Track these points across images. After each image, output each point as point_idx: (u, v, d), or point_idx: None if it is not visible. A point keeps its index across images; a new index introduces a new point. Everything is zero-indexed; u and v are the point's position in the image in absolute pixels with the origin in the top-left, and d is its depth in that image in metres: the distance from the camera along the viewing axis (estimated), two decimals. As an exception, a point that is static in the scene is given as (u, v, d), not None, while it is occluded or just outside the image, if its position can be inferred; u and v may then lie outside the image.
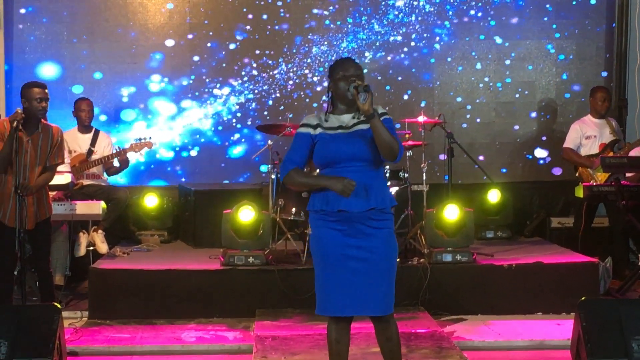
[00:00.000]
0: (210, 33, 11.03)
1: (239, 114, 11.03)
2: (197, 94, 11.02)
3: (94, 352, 7.29)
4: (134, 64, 10.99)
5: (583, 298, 6.14)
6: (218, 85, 11.01)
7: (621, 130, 10.40)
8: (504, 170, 11.19)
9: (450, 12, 11.11)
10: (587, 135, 9.93)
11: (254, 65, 11.02)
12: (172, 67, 11.01)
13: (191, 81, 11.01)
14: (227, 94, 11.03)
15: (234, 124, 11.04)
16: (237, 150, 11.04)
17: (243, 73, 11.02)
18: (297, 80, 11.04)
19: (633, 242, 9.93)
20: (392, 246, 5.41)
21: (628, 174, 9.39)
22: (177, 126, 11.02)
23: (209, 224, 9.67)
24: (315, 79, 11.01)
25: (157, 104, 10.99)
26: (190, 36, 11.02)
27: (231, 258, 8.47)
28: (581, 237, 9.65)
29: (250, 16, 11.02)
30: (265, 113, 11.03)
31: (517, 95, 11.25)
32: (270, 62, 11.02)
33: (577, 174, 9.89)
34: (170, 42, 11.00)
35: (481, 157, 10.82)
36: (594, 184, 9.39)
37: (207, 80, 11.02)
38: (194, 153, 11.05)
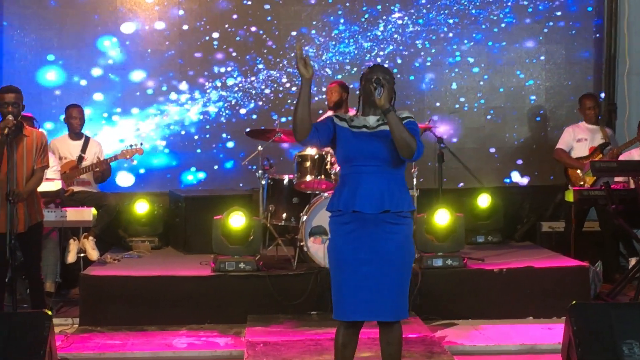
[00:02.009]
0: (198, 43, 11.04)
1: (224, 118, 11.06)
2: (179, 100, 11.03)
3: (85, 359, 7.29)
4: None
5: (574, 302, 6.14)
6: (208, 89, 11.02)
7: (615, 138, 10.41)
8: (494, 174, 11.22)
9: (441, 17, 11.12)
10: (579, 138, 9.99)
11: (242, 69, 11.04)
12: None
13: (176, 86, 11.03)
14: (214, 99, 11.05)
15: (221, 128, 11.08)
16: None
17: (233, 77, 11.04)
18: (287, 85, 11.06)
19: (623, 246, 9.94)
20: (408, 251, 5.41)
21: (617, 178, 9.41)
22: (161, 130, 11.04)
23: (200, 230, 9.65)
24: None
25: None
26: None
27: (222, 264, 8.46)
28: (573, 239, 9.66)
29: (235, 16, 11.06)
30: (255, 117, 11.05)
31: (507, 100, 11.27)
32: (260, 66, 11.04)
33: (566, 176, 9.93)
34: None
35: (471, 162, 10.81)
36: (584, 185, 9.43)
37: (195, 85, 11.03)
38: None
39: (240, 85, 11.03)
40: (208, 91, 11.05)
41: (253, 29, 11.07)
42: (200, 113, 11.03)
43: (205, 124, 11.05)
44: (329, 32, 11.07)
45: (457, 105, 11.22)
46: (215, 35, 11.01)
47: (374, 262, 5.27)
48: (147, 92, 10.99)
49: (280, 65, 11.04)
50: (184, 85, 11.02)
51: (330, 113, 9.17)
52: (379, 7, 11.09)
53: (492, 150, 11.27)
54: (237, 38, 11.03)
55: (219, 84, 11.02)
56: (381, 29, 11.08)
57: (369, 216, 5.29)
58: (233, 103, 11.05)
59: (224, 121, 11.06)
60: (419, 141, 5.29)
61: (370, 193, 5.28)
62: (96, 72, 10.94)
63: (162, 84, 11.01)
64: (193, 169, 11.05)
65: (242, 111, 11.05)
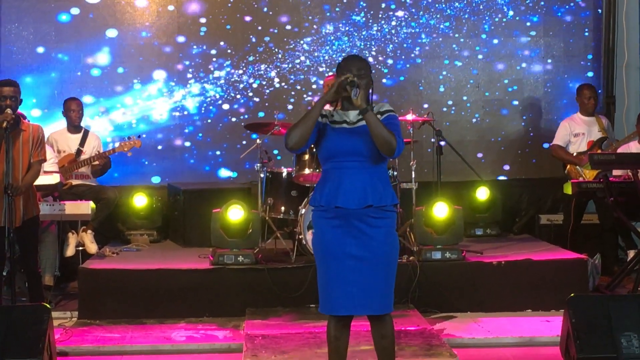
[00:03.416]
0: (201, 33, 11.03)
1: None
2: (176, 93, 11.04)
3: (84, 352, 7.29)
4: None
5: (572, 294, 6.15)
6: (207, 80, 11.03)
7: (612, 127, 10.42)
8: (493, 167, 11.22)
9: (438, 10, 11.11)
10: (576, 133, 9.96)
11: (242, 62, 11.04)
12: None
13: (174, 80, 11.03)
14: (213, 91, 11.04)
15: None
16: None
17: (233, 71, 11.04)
18: (289, 78, 11.06)
19: (622, 239, 9.95)
20: (392, 245, 5.40)
21: (616, 172, 9.41)
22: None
23: (198, 223, 9.66)
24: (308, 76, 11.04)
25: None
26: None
27: (221, 257, 8.46)
28: (570, 234, 9.68)
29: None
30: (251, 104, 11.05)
31: (505, 93, 11.26)
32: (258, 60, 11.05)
33: (565, 172, 9.93)
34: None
35: (470, 155, 10.79)
36: (583, 180, 9.42)
37: (194, 78, 11.02)
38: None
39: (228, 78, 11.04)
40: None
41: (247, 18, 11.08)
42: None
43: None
44: (325, 26, 11.05)
45: (450, 102, 11.19)
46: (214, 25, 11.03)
47: (359, 256, 5.27)
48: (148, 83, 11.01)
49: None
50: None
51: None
52: (376, 0, 11.07)
53: (491, 142, 11.25)
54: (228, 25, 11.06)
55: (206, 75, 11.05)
56: (377, 22, 11.06)
57: (353, 211, 5.28)
58: (217, 97, 11.07)
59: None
60: (399, 137, 5.28)
61: (353, 189, 5.27)
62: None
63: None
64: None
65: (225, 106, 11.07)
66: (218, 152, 11.04)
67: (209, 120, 11.04)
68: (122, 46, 10.97)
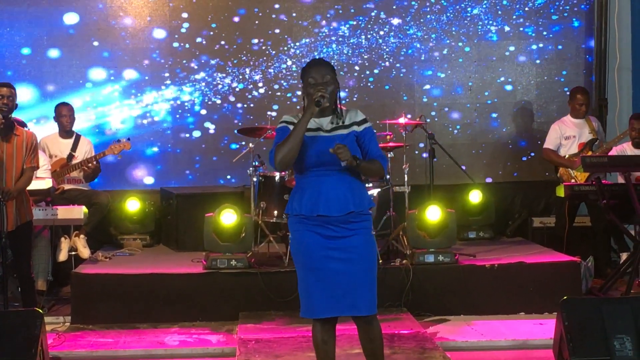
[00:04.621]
0: (189, 26, 11.01)
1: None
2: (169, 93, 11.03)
3: (77, 357, 7.29)
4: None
5: (565, 297, 6.16)
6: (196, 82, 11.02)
7: (602, 128, 10.43)
8: (485, 170, 11.23)
9: (433, 13, 11.11)
10: (567, 135, 9.97)
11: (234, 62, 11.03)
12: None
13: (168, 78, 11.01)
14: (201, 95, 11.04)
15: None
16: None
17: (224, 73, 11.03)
18: (279, 81, 11.06)
19: (614, 241, 9.96)
20: (372, 246, 5.44)
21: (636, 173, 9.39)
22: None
23: (191, 228, 9.66)
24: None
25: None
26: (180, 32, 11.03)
27: (214, 261, 8.46)
28: (564, 236, 9.68)
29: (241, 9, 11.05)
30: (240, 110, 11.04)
31: (497, 96, 11.27)
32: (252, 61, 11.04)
33: (557, 175, 9.94)
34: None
35: (462, 158, 10.78)
36: (575, 183, 9.42)
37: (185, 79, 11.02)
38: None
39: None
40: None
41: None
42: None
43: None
44: (320, 28, 11.06)
45: (442, 105, 11.20)
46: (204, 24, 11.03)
47: (343, 258, 5.30)
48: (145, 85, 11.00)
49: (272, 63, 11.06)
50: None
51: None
52: (370, 3, 11.08)
53: (483, 146, 11.27)
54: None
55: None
56: (369, 28, 11.06)
57: (334, 218, 5.31)
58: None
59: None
60: (383, 160, 5.36)
61: (334, 196, 5.30)
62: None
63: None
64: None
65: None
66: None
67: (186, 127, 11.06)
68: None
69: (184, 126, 11.01)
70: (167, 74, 10.95)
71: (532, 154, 11.20)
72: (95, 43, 10.91)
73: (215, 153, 11.00)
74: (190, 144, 11.02)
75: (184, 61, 10.96)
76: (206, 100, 10.99)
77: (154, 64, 10.95)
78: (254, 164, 8.99)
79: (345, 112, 5.45)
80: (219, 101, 10.99)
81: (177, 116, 10.98)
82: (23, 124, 9.19)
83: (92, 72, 10.92)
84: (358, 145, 5.37)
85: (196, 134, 10.99)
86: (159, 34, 10.98)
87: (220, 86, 11.00)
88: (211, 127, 11.01)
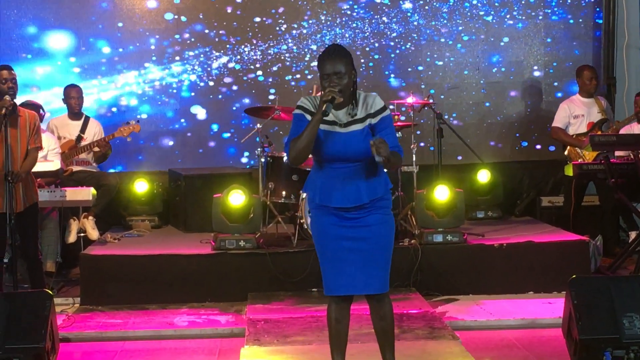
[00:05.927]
0: (200, 15, 10.97)
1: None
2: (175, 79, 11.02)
3: (86, 338, 7.30)
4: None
5: (574, 276, 6.15)
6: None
7: (611, 108, 10.40)
8: (494, 150, 11.21)
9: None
10: (575, 114, 9.94)
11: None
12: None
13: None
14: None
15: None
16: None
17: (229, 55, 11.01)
18: (287, 61, 11.03)
19: (623, 220, 9.95)
20: (388, 224, 5.42)
21: (618, 153, 9.41)
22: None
23: (200, 209, 9.66)
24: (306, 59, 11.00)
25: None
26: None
27: (222, 242, 8.47)
28: (572, 216, 9.68)
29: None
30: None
31: (506, 75, 11.23)
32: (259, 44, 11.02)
33: (565, 154, 9.91)
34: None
35: (470, 138, 10.75)
36: (583, 162, 9.40)
37: (196, 63, 11.00)
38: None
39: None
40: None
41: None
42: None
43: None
44: (326, 13, 11.03)
45: (456, 80, 11.17)
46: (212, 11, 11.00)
47: (357, 237, 5.31)
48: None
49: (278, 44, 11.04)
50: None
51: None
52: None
53: (492, 125, 11.24)
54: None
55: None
56: (377, 8, 11.02)
57: (349, 208, 5.32)
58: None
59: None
60: (400, 151, 5.29)
61: (349, 190, 5.29)
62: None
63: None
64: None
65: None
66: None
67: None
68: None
69: (187, 108, 11.05)
70: (177, 58, 10.96)
71: (535, 135, 11.17)
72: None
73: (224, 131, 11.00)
74: (198, 125, 11.03)
75: (179, 37, 10.97)
76: (198, 82, 10.99)
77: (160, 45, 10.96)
78: (262, 144, 8.99)
79: (363, 100, 5.35)
80: (212, 83, 10.99)
81: (183, 95, 10.99)
82: (40, 108, 9.22)
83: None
84: (373, 135, 5.27)
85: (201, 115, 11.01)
86: (169, 16, 10.96)
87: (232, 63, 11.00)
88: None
